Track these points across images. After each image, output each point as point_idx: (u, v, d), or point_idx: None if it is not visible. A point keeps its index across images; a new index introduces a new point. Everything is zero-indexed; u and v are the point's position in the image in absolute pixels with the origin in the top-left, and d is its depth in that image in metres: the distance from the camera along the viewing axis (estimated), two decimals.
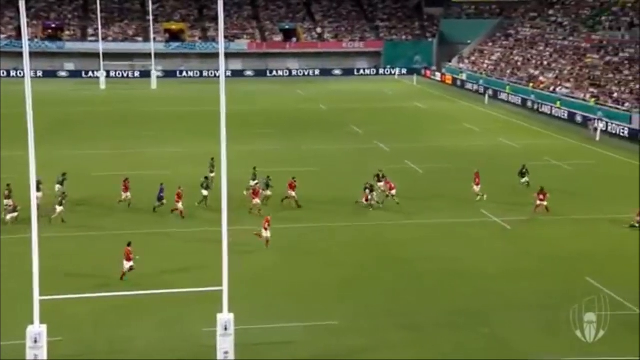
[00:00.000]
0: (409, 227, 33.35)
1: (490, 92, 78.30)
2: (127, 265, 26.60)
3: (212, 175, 38.41)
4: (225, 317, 19.64)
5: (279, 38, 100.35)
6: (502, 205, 36.65)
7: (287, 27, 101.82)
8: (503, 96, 76.64)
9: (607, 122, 58.29)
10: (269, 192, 36.36)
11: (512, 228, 33.57)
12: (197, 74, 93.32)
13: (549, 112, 67.56)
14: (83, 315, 23.63)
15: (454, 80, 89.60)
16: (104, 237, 31.81)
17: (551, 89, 72.94)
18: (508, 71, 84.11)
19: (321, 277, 27.89)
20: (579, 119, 62.55)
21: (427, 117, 67.26)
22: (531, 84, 76.03)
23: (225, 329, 19.57)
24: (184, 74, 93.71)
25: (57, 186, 36.33)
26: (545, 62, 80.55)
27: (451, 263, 29.42)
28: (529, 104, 71.37)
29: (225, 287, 19.58)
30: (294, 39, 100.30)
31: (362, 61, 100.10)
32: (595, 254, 30.60)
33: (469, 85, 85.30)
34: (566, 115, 64.81)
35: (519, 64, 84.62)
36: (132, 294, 23.01)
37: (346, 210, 35.83)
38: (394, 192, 36.39)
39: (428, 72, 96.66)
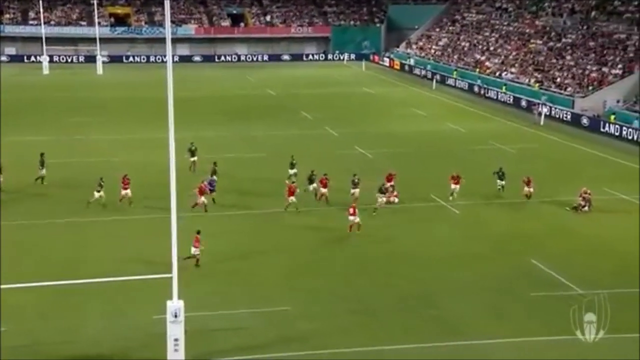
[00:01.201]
0: (359, 212, 33.41)
1: (437, 77, 79.09)
2: (194, 250, 26.75)
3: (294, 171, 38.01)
4: (175, 304, 19.55)
5: (226, 23, 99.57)
6: (447, 189, 37.03)
7: (234, 12, 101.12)
8: (450, 81, 77.50)
9: (550, 107, 59.46)
10: (310, 188, 35.33)
11: (461, 212, 34.06)
12: (144, 59, 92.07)
13: (494, 97, 68.60)
14: (28, 306, 23.26)
15: (402, 65, 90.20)
16: (48, 225, 31.28)
17: (497, 74, 74.03)
18: (455, 56, 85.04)
19: (272, 263, 27.93)
20: (523, 103, 63.68)
21: (375, 102, 67.62)
22: (477, 69, 77.03)
23: (175, 316, 19.50)
24: (131, 59, 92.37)
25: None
26: (491, 48, 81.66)
27: (401, 247, 29.75)
28: (476, 88, 72.34)
29: (174, 274, 19.48)
30: (242, 24, 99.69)
31: (310, 46, 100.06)
32: (539, 236, 31.26)
33: (416, 71, 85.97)
34: (511, 99, 65.90)
35: (466, 49, 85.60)
36: (80, 282, 22.75)
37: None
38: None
39: (376, 58, 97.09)
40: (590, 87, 61.20)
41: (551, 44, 73.83)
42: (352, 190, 34.52)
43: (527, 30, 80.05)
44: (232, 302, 24.16)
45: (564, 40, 73.14)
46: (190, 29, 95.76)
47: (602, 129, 53.19)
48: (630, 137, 50.24)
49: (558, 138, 51.76)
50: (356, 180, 34.90)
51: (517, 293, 25.16)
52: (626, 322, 22.64)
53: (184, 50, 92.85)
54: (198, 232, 27.15)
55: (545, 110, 58.50)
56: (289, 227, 32.07)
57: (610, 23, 70.88)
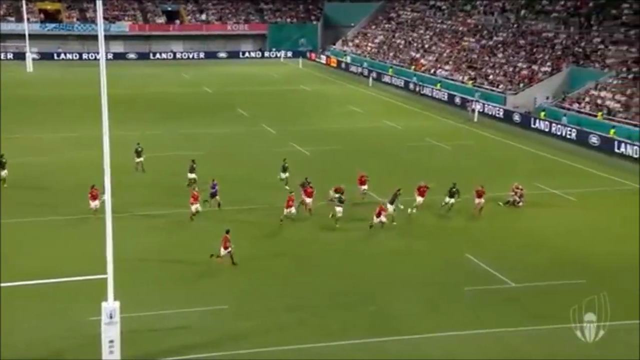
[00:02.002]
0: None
1: (374, 74, 79.77)
2: (223, 252, 26.71)
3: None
4: (111, 305, 19.28)
5: (161, 20, 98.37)
6: (385, 186, 37.35)
7: (169, 8, 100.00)
8: (386, 78, 78.27)
9: (483, 104, 60.67)
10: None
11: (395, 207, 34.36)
12: (76, 56, 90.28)
13: (430, 94, 69.59)
14: None
15: (339, 62, 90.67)
16: None
17: (432, 71, 75.12)
18: (391, 54, 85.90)
19: (209, 261, 27.76)
20: (458, 100, 64.79)
21: (312, 99, 67.85)
22: (413, 67, 78.01)
23: (111, 317, 19.23)
24: (62, 56, 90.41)
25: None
26: (426, 45, 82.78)
27: (338, 244, 29.93)
28: (411, 86, 73.24)
29: (110, 275, 19.22)
30: (178, 21, 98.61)
31: (247, 44, 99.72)
32: (473, 230, 31.86)
33: (353, 68, 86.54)
34: (446, 96, 66.98)
35: (401, 46, 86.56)
36: (13, 285, 22.24)
37: (232, 193, 35.64)
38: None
39: (313, 55, 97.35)
40: (521, 85, 62.70)
41: (483, 42, 75.32)
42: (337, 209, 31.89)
43: (460, 29, 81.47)
44: (170, 302, 23.96)
45: (495, 38, 74.69)
46: (124, 26, 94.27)
47: (532, 125, 54.53)
48: (559, 133, 51.64)
49: (491, 134, 52.84)
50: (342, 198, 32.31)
51: (452, 287, 25.61)
52: (555, 313, 23.27)
53: (117, 47, 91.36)
54: (227, 232, 27.05)
55: (478, 107, 59.66)
56: (225, 225, 31.80)
57: (539, 22, 72.76)
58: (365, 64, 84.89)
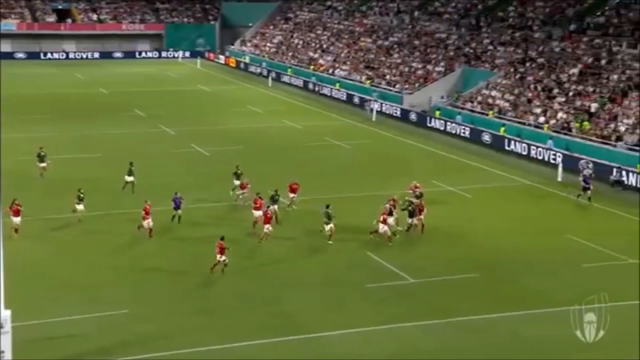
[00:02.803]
0: (194, 210, 33.24)
1: (273, 74, 79.90)
2: (220, 258, 26.00)
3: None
4: (1, 314, 18.52)
5: (52, 19, 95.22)
6: (286, 185, 37.52)
7: (60, 7, 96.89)
8: (285, 78, 78.56)
9: (381, 103, 61.85)
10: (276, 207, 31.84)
11: (298, 207, 34.57)
12: None
13: (329, 94, 70.30)
14: None
15: (238, 63, 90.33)
16: None
17: (330, 71, 75.94)
18: (289, 54, 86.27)
19: (110, 265, 27.21)
20: (356, 100, 65.75)
21: (212, 99, 67.39)
22: (311, 67, 78.62)
23: (1, 326, 18.48)
24: None
25: None
26: (324, 45, 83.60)
27: (239, 244, 29.78)
28: (310, 85, 73.80)
29: (1, 282, 18.50)
30: (69, 20, 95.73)
31: (144, 44, 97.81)
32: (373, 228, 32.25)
33: (252, 68, 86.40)
34: (345, 96, 67.86)
35: (299, 47, 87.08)
36: None
37: (130, 196, 35.02)
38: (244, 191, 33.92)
39: (212, 55, 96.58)
40: (417, 84, 64.28)
41: (380, 42, 76.75)
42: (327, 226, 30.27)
43: (357, 29, 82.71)
44: (66, 308, 23.31)
45: (391, 38, 76.26)
46: (11, 24, 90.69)
47: (428, 124, 56.00)
48: (453, 132, 53.24)
49: (389, 133, 53.93)
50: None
51: (354, 285, 26.00)
52: (451, 306, 24.09)
53: (5, 46, 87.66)
54: (222, 238, 26.28)
55: (376, 106, 60.76)
56: (125, 228, 31.26)
57: (432, 23, 74.83)
58: (264, 64, 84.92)
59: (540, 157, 45.31)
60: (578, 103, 49.38)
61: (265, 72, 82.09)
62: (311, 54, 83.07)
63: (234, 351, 21.15)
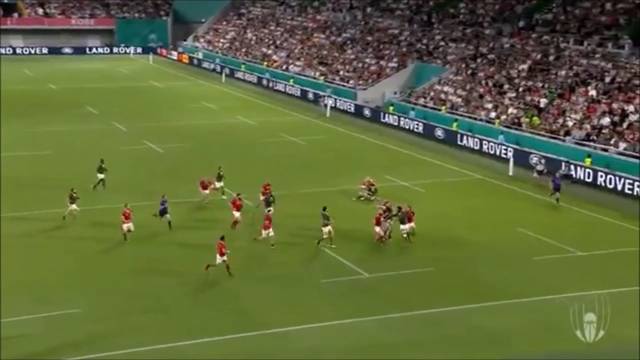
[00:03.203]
0: (146, 208, 32.87)
1: (226, 70, 79.54)
2: (219, 259, 25.55)
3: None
4: None
5: None
6: (241, 182, 37.44)
7: (6, 1, 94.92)
8: (239, 74, 78.26)
9: (335, 99, 62.04)
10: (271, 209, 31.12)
11: (253, 203, 34.44)
12: None
13: (283, 90, 70.28)
14: None
15: (191, 59, 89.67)
16: None
17: (284, 67, 75.88)
18: (243, 50, 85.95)
19: (59, 265, 26.81)
20: (310, 96, 65.84)
21: (165, 96, 66.78)
22: (265, 63, 78.44)
23: None
24: None
25: None
26: (277, 42, 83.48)
27: (193, 241, 29.66)
28: (264, 82, 73.66)
29: None
30: (16, 15, 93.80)
31: (94, 39, 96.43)
32: None
33: (205, 64, 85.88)
34: (299, 92, 67.88)
35: (253, 42, 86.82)
36: None
37: (81, 193, 34.47)
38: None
39: (164, 51, 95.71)
40: (370, 80, 64.63)
41: (333, 38, 76.95)
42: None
43: (310, 25, 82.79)
44: (18, 309, 22.85)
45: (344, 34, 76.52)
46: None
47: (382, 120, 56.36)
48: (407, 127, 53.67)
49: (343, 129, 54.12)
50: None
51: (310, 280, 26.05)
52: (407, 300, 24.39)
53: None
54: (222, 238, 25.82)
55: (330, 102, 60.94)
56: (74, 227, 30.81)
57: (385, 19, 75.29)
58: (217, 60, 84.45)
59: (492, 152, 45.99)
60: (528, 98, 50.25)
61: (218, 68, 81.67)
62: (264, 50, 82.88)
63: (187, 348, 20.98)
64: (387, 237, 29.44)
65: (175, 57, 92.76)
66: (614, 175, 38.32)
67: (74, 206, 30.79)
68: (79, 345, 20.89)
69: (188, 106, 61.05)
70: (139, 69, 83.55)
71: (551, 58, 54.08)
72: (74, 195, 30.89)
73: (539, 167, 40.04)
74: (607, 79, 47.64)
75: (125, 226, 28.92)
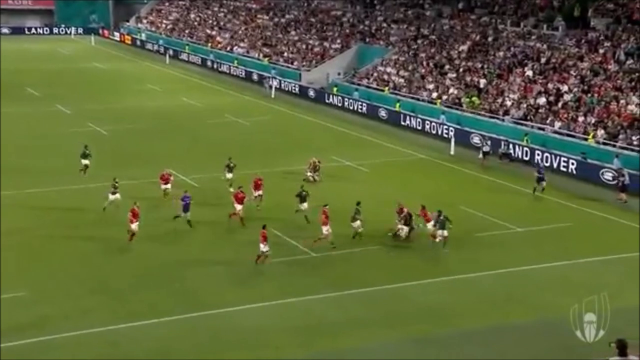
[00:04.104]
0: (95, 191, 32.82)
1: (170, 52, 78.92)
2: (264, 248, 25.36)
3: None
4: None
5: None
6: (187, 164, 37.57)
7: None
8: (183, 56, 77.77)
9: (280, 80, 62.30)
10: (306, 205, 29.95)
11: (200, 185, 34.59)
12: None
13: (227, 71, 70.19)
14: None
15: (134, 40, 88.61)
16: None
17: (228, 48, 75.66)
18: (186, 31, 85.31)
19: (7, 247, 26.62)
20: (255, 77, 65.95)
21: (108, 77, 66.06)
22: (209, 44, 78.08)
23: None
24: None
25: None
26: (221, 23, 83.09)
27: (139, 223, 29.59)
28: (209, 63, 73.40)
29: None
30: None
31: (33, 19, 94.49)
32: (273, 205, 32.10)
33: (149, 45, 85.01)
34: (243, 73, 67.92)
35: (196, 24, 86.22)
36: None
37: (29, 176, 34.26)
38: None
39: (106, 32, 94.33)
40: (314, 61, 65.02)
41: (276, 19, 76.98)
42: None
43: (254, 6, 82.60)
44: None
45: (287, 16, 76.62)
46: None
47: (327, 100, 56.89)
48: (351, 108, 54.35)
49: (288, 110, 54.49)
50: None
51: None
52: (352, 278, 25.00)
53: None
54: (264, 227, 25.46)
55: (275, 83, 61.17)
56: (19, 210, 30.61)
57: (328, 0, 75.60)
58: (161, 42, 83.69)
59: (434, 132, 46.97)
60: (468, 79, 51.35)
61: (162, 50, 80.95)
62: (208, 31, 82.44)
63: (134, 329, 21.09)
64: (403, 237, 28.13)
65: (117, 38, 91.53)
66: (550, 154, 39.67)
67: (116, 196, 30.25)
68: (25, 329, 20.86)
69: (132, 88, 60.58)
70: (81, 50, 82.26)
71: (490, 39, 55.27)
72: (116, 185, 30.39)
73: (485, 148, 40.58)
74: (543, 60, 49.03)
75: (133, 226, 27.45)
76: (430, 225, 27.95)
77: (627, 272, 25.49)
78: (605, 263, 26.59)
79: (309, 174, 35.99)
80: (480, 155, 40.21)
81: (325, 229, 27.26)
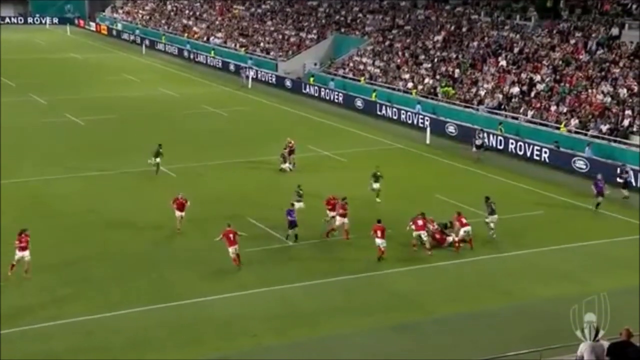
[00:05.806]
0: (68, 181, 32.80)
1: (147, 42, 78.66)
2: (380, 242, 25.59)
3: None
4: None
5: None
6: (166, 153, 37.54)
7: None
8: (160, 46, 77.57)
9: (257, 70, 62.45)
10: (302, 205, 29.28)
11: (177, 176, 34.81)
12: None
13: (204, 62, 70.16)
14: None
15: (110, 30, 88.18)
16: None
17: (205, 39, 75.57)
18: (163, 21, 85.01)
19: None
20: (232, 67, 66.02)
21: (84, 68, 65.83)
22: (186, 34, 77.93)
23: None
24: None
25: None
26: (197, 13, 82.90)
27: (115, 215, 29.67)
28: (185, 53, 73.31)
29: None
30: None
31: (7, 9, 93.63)
32: (250, 194, 32.71)
33: (125, 36, 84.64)
34: (220, 64, 67.95)
35: (172, 14, 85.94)
36: None
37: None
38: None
39: (82, 22, 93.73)
40: (291, 52, 65.21)
41: (253, 9, 77.00)
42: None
43: None
44: None
45: (263, 6, 76.68)
46: None
47: (303, 90, 57.17)
48: (328, 98, 54.68)
49: (265, 100, 54.68)
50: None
51: None
52: (328, 268, 25.36)
53: None
54: (379, 221, 25.61)
55: (252, 73, 61.30)
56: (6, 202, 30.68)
57: None
58: (137, 32, 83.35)
59: (410, 122, 47.46)
60: (443, 69, 51.86)
61: (138, 40, 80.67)
62: (185, 21, 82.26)
63: (108, 319, 21.12)
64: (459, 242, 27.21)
65: (93, 29, 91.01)
66: (524, 143, 40.29)
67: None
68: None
69: (108, 78, 60.42)
70: (56, 40, 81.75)
71: (464, 29, 55.81)
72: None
73: (478, 141, 40.24)
74: (516, 50, 49.67)
75: (178, 214, 27.65)
76: (462, 231, 27.02)
77: (595, 259, 26.16)
78: (575, 250, 27.21)
79: (284, 166, 36.00)
80: (474, 148, 39.99)
81: (341, 220, 27.38)
